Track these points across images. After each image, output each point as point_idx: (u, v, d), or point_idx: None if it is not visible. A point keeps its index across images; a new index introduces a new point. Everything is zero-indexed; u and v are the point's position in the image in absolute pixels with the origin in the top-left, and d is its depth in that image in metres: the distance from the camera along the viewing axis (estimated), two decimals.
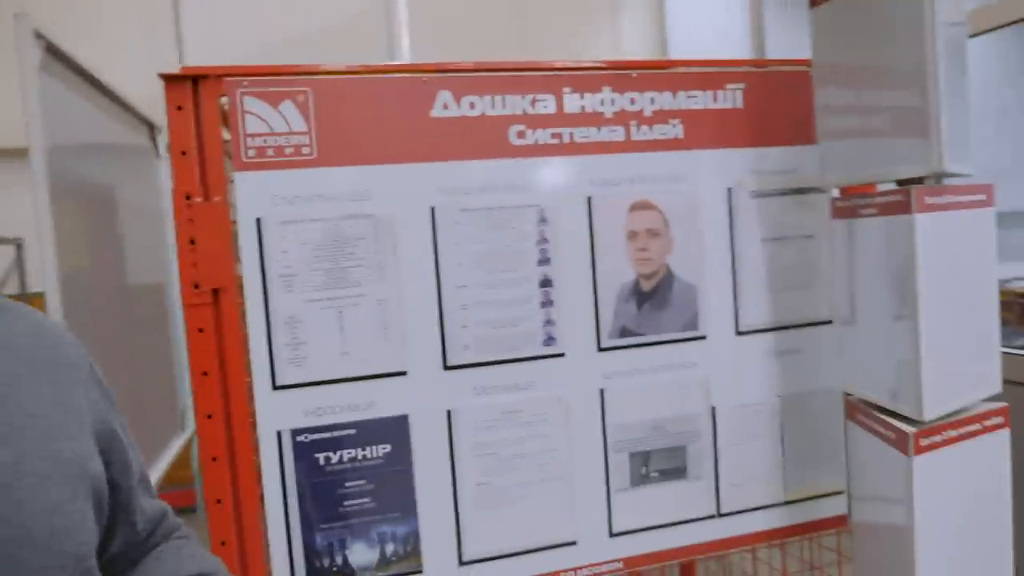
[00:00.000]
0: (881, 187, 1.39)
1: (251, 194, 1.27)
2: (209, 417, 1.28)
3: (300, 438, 1.31)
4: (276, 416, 1.30)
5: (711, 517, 1.52)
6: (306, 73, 1.29)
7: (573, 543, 1.45)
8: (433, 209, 1.35)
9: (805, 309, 1.55)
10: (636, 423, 1.47)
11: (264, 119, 1.27)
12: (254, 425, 1.30)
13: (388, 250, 1.33)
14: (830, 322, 1.55)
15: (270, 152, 1.28)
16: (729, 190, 1.50)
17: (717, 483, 1.52)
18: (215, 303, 1.27)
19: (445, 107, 1.35)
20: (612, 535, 1.47)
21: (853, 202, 1.29)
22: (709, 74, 1.48)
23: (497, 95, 1.38)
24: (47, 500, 0.57)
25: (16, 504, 0.54)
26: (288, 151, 1.28)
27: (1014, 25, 1.82)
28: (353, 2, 4.11)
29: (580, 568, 1.45)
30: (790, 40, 3.55)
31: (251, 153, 1.27)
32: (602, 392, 1.45)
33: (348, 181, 1.31)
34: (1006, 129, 4.83)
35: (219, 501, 1.29)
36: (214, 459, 1.28)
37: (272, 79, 1.27)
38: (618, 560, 1.48)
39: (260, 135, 1.27)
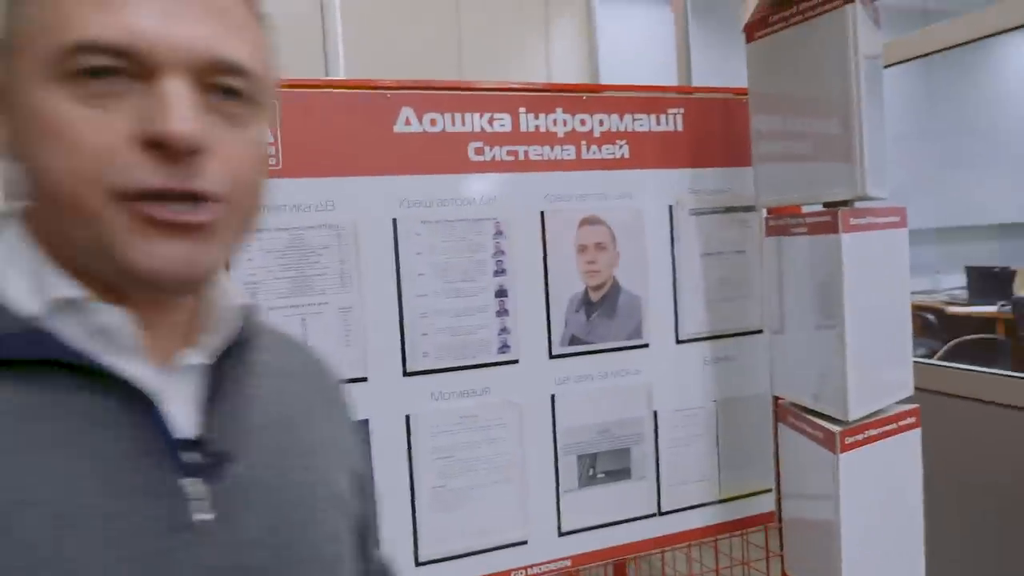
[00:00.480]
0: (807, 208, 1.52)
1: None
2: None
3: None
4: None
5: (652, 515, 1.62)
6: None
7: (524, 543, 1.51)
8: (395, 220, 1.40)
9: (738, 319, 1.67)
10: (584, 427, 1.55)
11: None
12: None
13: (351, 259, 1.37)
14: (761, 331, 1.67)
15: None
16: (670, 207, 1.61)
17: (659, 483, 1.61)
18: None
19: (407, 123, 1.41)
20: (561, 534, 1.54)
21: (784, 221, 1.41)
22: (652, 99, 1.59)
23: (457, 113, 1.44)
24: (333, 527, 0.58)
25: (314, 525, 0.55)
26: None
27: (918, 59, 2.01)
28: (287, 15, 4.09)
29: (531, 567, 1.52)
30: (716, 66, 3.76)
31: None
32: (553, 397, 1.52)
33: (313, 192, 1.34)
34: (904, 153, 5.29)
35: None
36: None
37: None
38: (566, 558, 1.55)
39: None
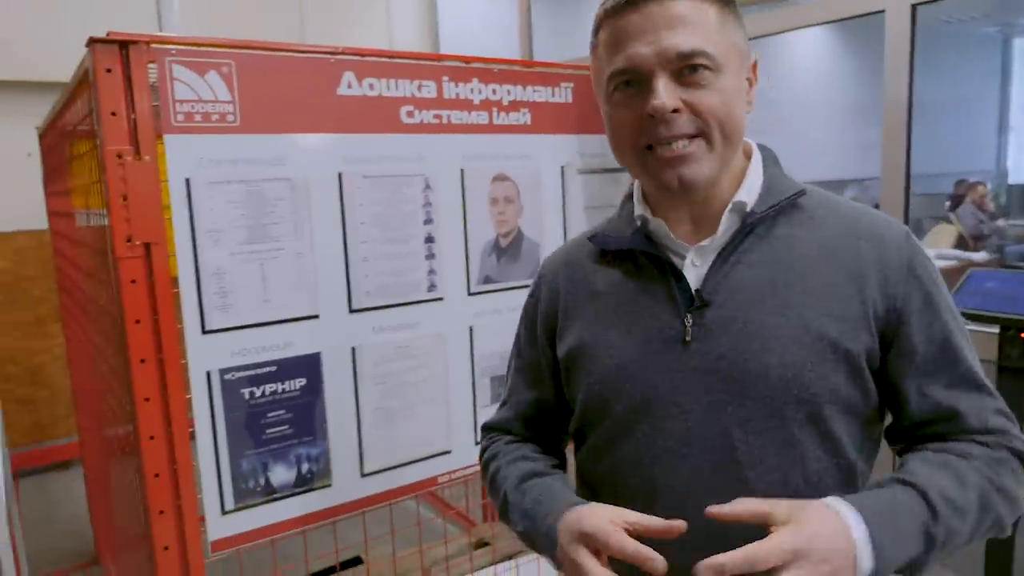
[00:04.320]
0: None
1: (180, 156, 1.39)
2: (143, 362, 1.38)
3: (228, 376, 1.47)
4: (206, 357, 1.44)
5: None
6: (229, 46, 1.42)
7: (448, 452, 1.78)
8: (340, 175, 1.57)
9: None
10: (495, 352, 1.83)
11: (191, 86, 1.39)
12: (185, 368, 1.43)
13: (303, 210, 1.52)
14: None
15: (197, 118, 1.40)
16: (562, 168, 1.91)
17: None
18: (147, 256, 1.37)
19: (349, 86, 1.57)
20: (476, 443, 1.82)
21: None
22: (549, 73, 1.86)
23: (392, 79, 1.62)
24: (791, 357, 0.81)
25: (766, 352, 0.82)
26: (214, 117, 1.41)
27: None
28: None
29: (453, 471, 1.79)
30: (557, 40, 4.09)
31: (180, 118, 1.38)
32: (471, 329, 1.79)
33: (268, 147, 1.47)
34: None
35: (152, 438, 1.40)
36: (147, 400, 1.39)
37: (198, 49, 1.39)
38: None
39: (188, 101, 1.39)
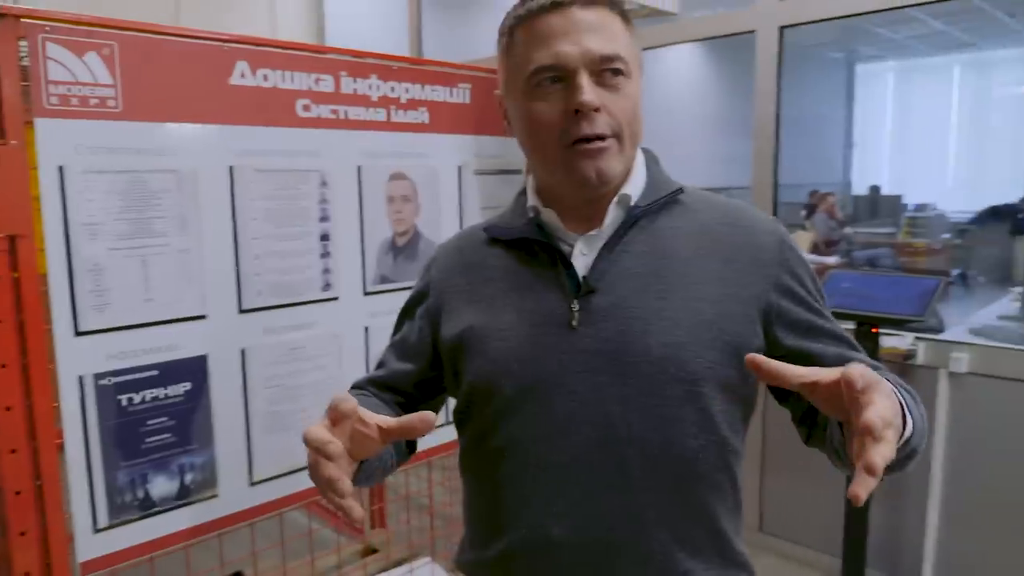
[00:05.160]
0: None
1: (53, 141, 1.27)
2: (3, 367, 1.25)
3: (103, 381, 1.36)
4: (78, 361, 1.33)
5: (441, 426, 1.93)
6: (111, 27, 1.32)
7: None
8: (231, 168, 1.49)
9: None
10: None
11: (67, 67, 1.27)
12: (53, 372, 1.31)
13: (190, 204, 1.44)
14: None
15: (74, 101, 1.29)
16: (459, 168, 1.90)
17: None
18: (11, 250, 1.25)
19: (242, 76, 1.49)
20: None
21: None
22: (447, 73, 1.86)
23: (287, 71, 1.56)
24: (671, 338, 0.85)
25: (648, 335, 0.85)
26: (93, 102, 1.30)
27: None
28: None
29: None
30: (446, 40, 4.07)
31: (53, 100, 1.27)
32: (367, 329, 1.75)
33: (154, 136, 1.38)
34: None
35: (13, 451, 1.27)
36: (8, 408, 1.26)
37: (76, 28, 1.28)
38: None
39: (63, 83, 1.27)
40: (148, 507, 1.43)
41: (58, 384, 1.31)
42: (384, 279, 1.77)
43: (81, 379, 1.33)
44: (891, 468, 0.70)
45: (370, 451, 0.76)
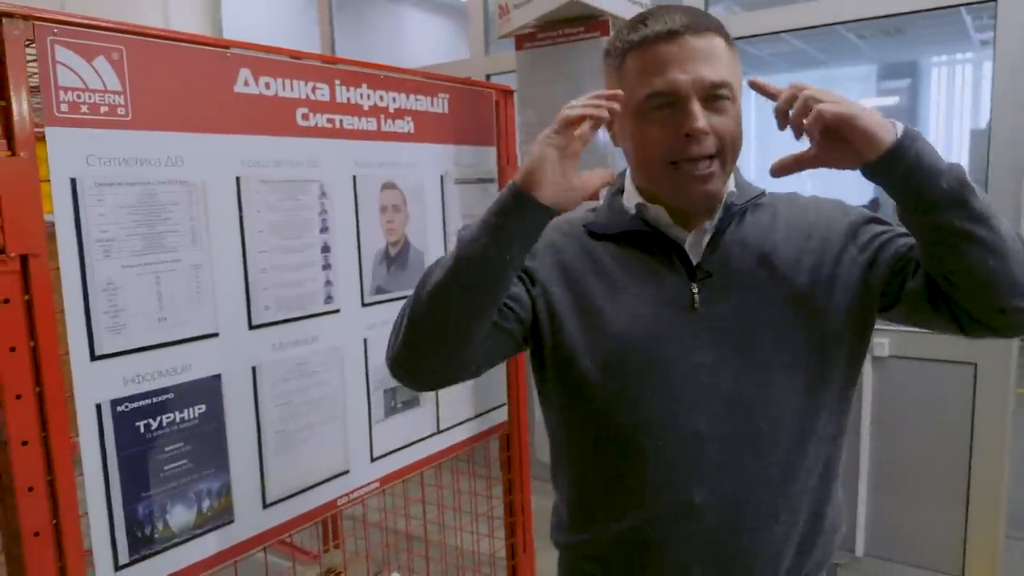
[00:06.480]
0: None
1: (65, 152, 1.18)
2: (18, 398, 1.15)
3: (120, 408, 1.27)
4: (95, 388, 1.23)
5: (433, 435, 1.93)
6: (119, 31, 1.25)
7: (346, 472, 1.69)
8: (238, 179, 1.43)
9: None
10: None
11: (77, 73, 1.19)
12: (67, 401, 1.21)
13: (201, 217, 1.37)
14: None
15: (84, 109, 1.20)
16: (442, 177, 1.92)
17: (437, 407, 1.93)
18: (23, 271, 1.15)
19: (246, 83, 1.44)
20: (372, 460, 1.76)
21: None
22: (427, 83, 1.87)
23: (287, 79, 1.52)
24: (782, 312, 0.97)
25: (764, 308, 0.96)
26: (103, 110, 1.23)
27: None
28: None
29: (351, 492, 1.71)
30: (354, 41, 4.02)
31: (64, 108, 1.18)
32: (365, 341, 1.72)
33: (164, 146, 1.31)
34: None
35: (31, 489, 1.17)
36: (24, 443, 1.16)
37: (85, 31, 1.20)
38: (376, 480, 1.77)
39: (73, 89, 1.19)
40: (168, 539, 1.34)
41: (76, 414, 1.22)
42: (380, 289, 1.75)
43: (99, 407, 1.24)
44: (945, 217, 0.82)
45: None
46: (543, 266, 1.02)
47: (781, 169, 0.89)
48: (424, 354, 0.94)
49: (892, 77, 9.21)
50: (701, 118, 0.89)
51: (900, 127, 0.83)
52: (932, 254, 0.86)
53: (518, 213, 0.87)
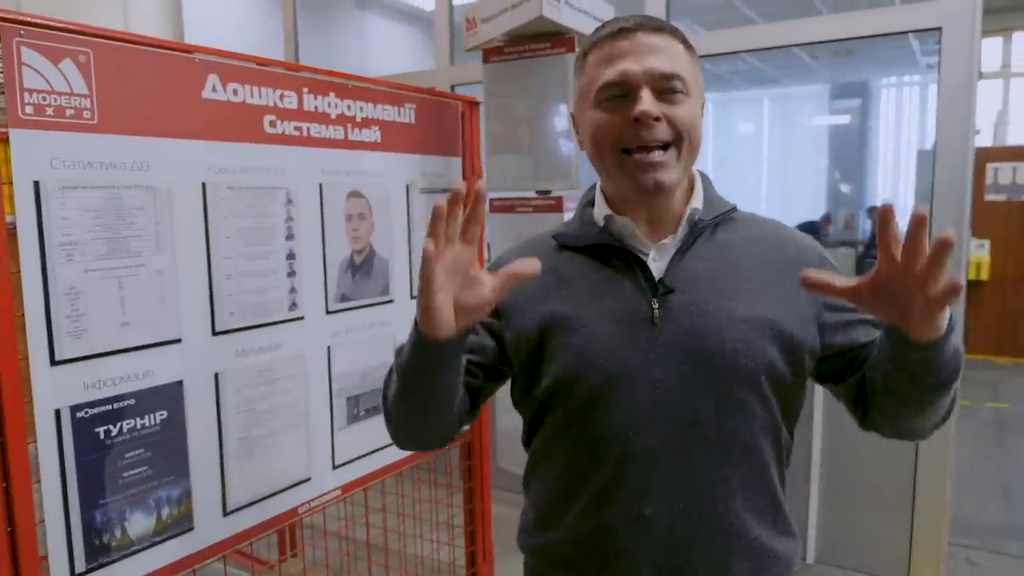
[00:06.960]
0: (518, 193, 2.01)
1: (29, 154, 1.17)
2: None
3: (80, 413, 1.25)
4: (54, 393, 1.22)
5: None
6: (87, 33, 1.24)
7: (308, 479, 1.69)
8: (204, 185, 1.43)
9: None
10: (351, 372, 1.78)
11: (43, 75, 1.18)
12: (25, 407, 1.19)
13: (166, 222, 1.37)
14: None
15: (50, 111, 1.19)
16: (407, 186, 1.93)
17: None
18: None
19: (214, 89, 1.45)
20: (335, 467, 1.76)
21: (510, 202, 1.88)
22: (395, 93, 1.88)
23: (255, 86, 1.52)
24: (741, 335, 0.96)
25: (721, 331, 0.96)
26: (69, 113, 1.22)
27: None
28: None
29: (312, 500, 1.70)
30: (319, 46, 4.01)
31: (29, 110, 1.17)
32: (329, 349, 1.73)
33: (130, 150, 1.30)
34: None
35: None
36: None
37: (52, 33, 1.19)
38: (337, 488, 1.77)
39: (39, 91, 1.18)
40: (126, 547, 1.33)
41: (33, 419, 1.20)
42: (344, 297, 1.76)
43: (58, 412, 1.23)
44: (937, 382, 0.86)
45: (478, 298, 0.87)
46: (507, 298, 1.00)
47: (812, 286, 0.82)
48: (412, 435, 1.07)
49: (844, 96, 9.50)
50: (648, 103, 0.92)
51: (946, 318, 0.81)
52: (888, 390, 0.93)
53: (430, 350, 0.89)
